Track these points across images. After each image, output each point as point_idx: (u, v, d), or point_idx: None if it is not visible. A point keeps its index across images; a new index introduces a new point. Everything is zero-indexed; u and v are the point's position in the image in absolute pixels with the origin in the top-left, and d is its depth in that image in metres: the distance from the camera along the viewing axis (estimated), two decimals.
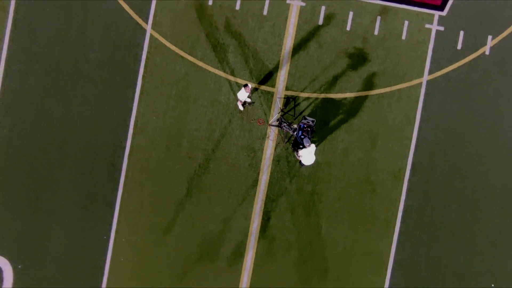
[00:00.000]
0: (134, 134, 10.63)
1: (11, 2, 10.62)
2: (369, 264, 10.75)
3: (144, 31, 10.73)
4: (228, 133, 10.75)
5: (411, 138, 10.75)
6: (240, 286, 10.66)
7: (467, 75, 10.80)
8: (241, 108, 10.37)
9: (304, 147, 9.38)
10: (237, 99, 10.40)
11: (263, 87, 10.78)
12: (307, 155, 9.50)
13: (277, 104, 10.67)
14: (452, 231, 10.78)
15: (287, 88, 10.79)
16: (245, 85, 9.43)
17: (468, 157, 10.77)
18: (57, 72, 10.62)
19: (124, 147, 10.61)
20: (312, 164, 9.83)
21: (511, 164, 10.75)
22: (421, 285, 10.73)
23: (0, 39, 10.61)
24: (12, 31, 10.63)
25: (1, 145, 10.59)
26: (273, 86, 10.76)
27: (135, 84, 10.66)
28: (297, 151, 9.70)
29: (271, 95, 10.78)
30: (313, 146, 9.44)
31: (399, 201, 10.74)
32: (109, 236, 10.59)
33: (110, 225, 10.58)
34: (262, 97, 10.80)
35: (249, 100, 10.38)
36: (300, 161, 9.85)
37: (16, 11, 10.64)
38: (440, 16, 10.80)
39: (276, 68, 10.75)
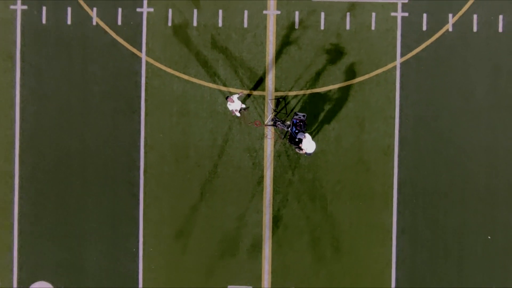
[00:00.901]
0: (145, 152, 11.71)
1: (17, 51, 11.68)
2: (375, 235, 11.84)
3: (139, 59, 11.81)
4: (229, 138, 11.83)
5: (395, 117, 11.85)
6: (262, 274, 11.74)
7: (435, 53, 11.91)
8: (238, 114, 11.44)
9: (300, 140, 10.45)
10: (230, 111, 11.44)
11: (254, 92, 11.86)
12: (308, 144, 10.53)
13: (270, 106, 11.76)
14: (445, 194, 11.88)
15: (276, 90, 11.87)
16: (227, 97, 10.50)
17: (449, 125, 11.88)
18: (68, 108, 11.69)
19: (139, 166, 11.69)
20: (315, 151, 10.82)
21: (487, 125, 11.86)
22: (425, 246, 11.82)
23: (12, 86, 11.68)
24: (21, 78, 11.69)
25: (28, 183, 11.66)
26: (263, 90, 11.84)
27: (139, 108, 11.74)
28: (299, 146, 10.70)
29: (263, 98, 11.86)
30: (307, 135, 10.47)
31: (393, 174, 11.85)
32: (137, 247, 11.67)
33: (137, 237, 11.66)
34: (255, 101, 11.88)
35: (243, 106, 11.45)
36: (303, 152, 10.86)
37: (22, 59, 11.70)
38: (403, 4, 11.91)
39: (264, 73, 11.84)
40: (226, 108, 11.68)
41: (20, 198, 11.70)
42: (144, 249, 11.68)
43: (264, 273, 11.77)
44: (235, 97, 10.56)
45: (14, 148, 11.68)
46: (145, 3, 11.78)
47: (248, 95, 11.82)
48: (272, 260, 11.78)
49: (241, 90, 11.73)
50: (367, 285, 11.85)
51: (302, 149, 10.56)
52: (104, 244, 11.65)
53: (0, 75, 11.67)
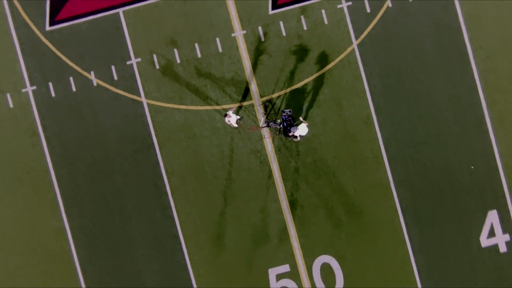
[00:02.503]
0: (168, 178, 13.61)
1: (38, 126, 13.56)
2: (377, 193, 13.78)
3: (141, 103, 13.72)
4: (234, 147, 13.75)
5: (365, 91, 13.81)
6: (294, 251, 13.65)
7: (383, 28, 13.89)
8: (235, 125, 13.37)
9: (294, 135, 12.37)
10: (229, 123, 13.35)
11: (244, 103, 13.80)
12: (302, 130, 12.34)
13: (260, 111, 13.69)
14: (424, 142, 13.82)
15: (261, 96, 13.80)
16: (225, 115, 12.44)
17: (412, 84, 13.81)
18: (94, 160, 13.57)
19: (166, 191, 13.59)
20: (307, 135, 12.68)
21: (444, 75, 13.80)
22: (421, 191, 13.76)
23: (42, 155, 13.55)
24: (48, 147, 13.54)
25: (79, 232, 13.51)
26: (251, 99, 13.78)
27: (153, 143, 13.64)
28: (293, 135, 12.53)
29: (252, 106, 13.80)
30: (300, 126, 12.33)
31: (377, 138, 13.80)
32: (184, 259, 13.55)
33: (182, 251, 13.54)
34: (246, 111, 13.81)
35: (238, 117, 13.38)
36: (295, 136, 12.72)
37: (44, 131, 13.57)
38: None
39: (247, 85, 13.78)
40: (224, 123, 13.61)
41: (76, 246, 13.57)
42: (190, 259, 13.57)
43: (295, 250, 13.68)
44: (230, 112, 12.50)
45: (59, 206, 13.54)
46: (132, 56, 13.71)
47: (240, 107, 13.74)
48: (298, 237, 13.69)
49: (233, 105, 13.66)
50: (382, 237, 13.78)
51: (297, 137, 12.50)
52: (156, 264, 13.52)
53: (31, 150, 13.54)
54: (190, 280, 13.56)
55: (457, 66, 13.87)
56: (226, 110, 13.54)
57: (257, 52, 13.78)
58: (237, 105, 13.71)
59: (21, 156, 13.53)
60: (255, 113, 13.78)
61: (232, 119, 12.59)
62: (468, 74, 13.89)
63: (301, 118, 12.52)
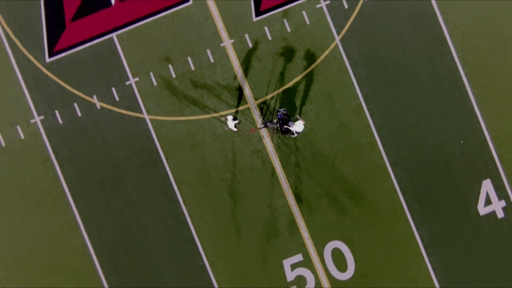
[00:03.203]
0: (178, 187, 14.40)
1: (50, 152, 14.35)
2: (375, 176, 14.57)
3: (144, 119, 14.51)
4: (236, 150, 14.54)
5: (353, 82, 14.62)
6: (305, 241, 14.42)
7: (362, 21, 14.70)
8: (235, 129, 14.14)
9: (291, 131, 13.17)
10: (228, 128, 14.17)
11: (240, 108, 14.59)
12: (299, 126, 13.15)
13: (256, 113, 14.48)
14: (414, 120, 14.56)
15: (256, 99, 14.60)
16: (233, 118, 13.34)
17: (395, 69, 14.57)
18: (106, 177, 14.34)
19: (178, 199, 14.37)
20: (303, 130, 13.50)
21: (423, 56, 14.58)
22: (417, 170, 14.56)
23: (57, 179, 14.32)
24: (62, 171, 14.31)
25: (100, 247, 14.29)
26: (246, 103, 14.58)
27: (160, 156, 14.43)
28: (290, 131, 13.35)
29: (248, 109, 14.59)
30: (297, 123, 13.13)
31: (370, 125, 14.60)
32: (203, 261, 14.33)
33: (199, 253, 14.32)
34: (243, 114, 14.61)
35: (236, 121, 14.18)
36: (292, 133, 13.54)
37: (56, 157, 14.36)
38: None
39: (241, 90, 14.58)
40: (223, 129, 14.40)
41: (99, 261, 14.34)
42: (208, 260, 14.35)
43: (306, 240, 14.47)
44: (229, 118, 13.31)
45: (78, 225, 14.32)
46: (130, 76, 14.51)
47: (237, 112, 14.54)
48: (307, 227, 14.48)
49: (230, 111, 14.47)
50: (386, 217, 14.58)
51: (294, 134, 13.29)
52: (177, 269, 14.29)
53: (45, 174, 14.32)
54: (211, 280, 14.34)
55: (436, 48, 14.70)
56: (225, 116, 14.33)
57: (247, 58, 14.59)
58: (233, 110, 14.50)
59: (37, 182, 14.31)
60: (252, 115, 14.58)
61: (231, 124, 13.38)
62: (447, 54, 14.71)
63: (297, 116, 13.31)
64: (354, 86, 14.62)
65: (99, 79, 14.45)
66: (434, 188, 14.67)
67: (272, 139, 14.52)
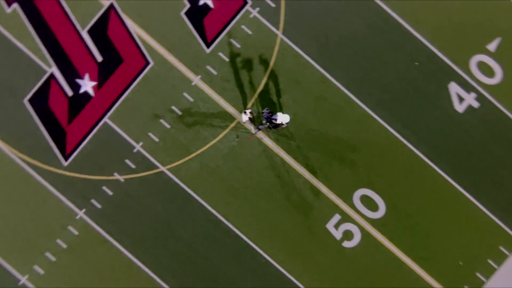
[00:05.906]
0: (216, 210, 16.37)
1: (104, 234, 16.56)
2: (365, 125, 16.60)
3: (162, 172, 16.74)
4: (245, 159, 16.69)
5: (308, 61, 16.70)
6: (335, 202, 16.65)
7: (291, 10, 16.93)
8: (250, 125, 16.29)
9: (278, 124, 15.41)
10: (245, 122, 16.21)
11: (231, 125, 16.85)
12: (283, 117, 15.25)
13: (248, 123, 16.74)
14: (371, 65, 16.66)
15: (240, 112, 16.86)
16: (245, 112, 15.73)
17: (336, 34, 16.80)
18: (156, 233, 16.53)
19: (221, 220, 16.44)
20: (290, 119, 15.60)
21: (352, 14, 16.91)
22: (393, 101, 16.84)
23: (119, 253, 16.53)
24: (121, 245, 16.53)
25: (155, 265, 16.50)
26: (235, 119, 16.84)
27: (189, 194, 16.62)
28: (277, 125, 15.53)
29: (239, 124, 16.84)
30: (281, 115, 15.33)
31: (339, 87, 16.67)
32: (264, 257, 16.52)
33: (259, 253, 16.48)
34: (237, 130, 16.86)
35: (249, 115, 15.91)
36: (282, 124, 15.72)
37: (110, 235, 16.59)
38: (251, 5, 17.03)
39: (226, 111, 16.83)
40: (233, 150, 16.66)
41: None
42: (268, 255, 16.50)
43: (335, 200, 16.67)
44: (243, 116, 15.88)
45: (155, 280, 16.48)
46: (134, 144, 16.74)
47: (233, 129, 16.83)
48: (331, 190, 16.73)
49: (225, 131, 16.72)
50: (387, 151, 16.82)
51: (283, 124, 15.56)
52: (249, 276, 16.36)
53: (109, 253, 16.48)
54: (278, 269, 16.53)
55: (361, 3, 17.00)
56: (227, 135, 16.61)
57: (217, 84, 16.86)
58: (228, 130, 16.75)
59: (104, 262, 16.51)
60: (244, 127, 16.85)
61: (244, 118, 15.76)
62: (371, 2, 17.04)
63: (280, 113, 15.43)
64: (311, 63, 16.89)
65: (112, 158, 16.68)
66: (414, 110, 16.92)
67: (268, 136, 16.78)
